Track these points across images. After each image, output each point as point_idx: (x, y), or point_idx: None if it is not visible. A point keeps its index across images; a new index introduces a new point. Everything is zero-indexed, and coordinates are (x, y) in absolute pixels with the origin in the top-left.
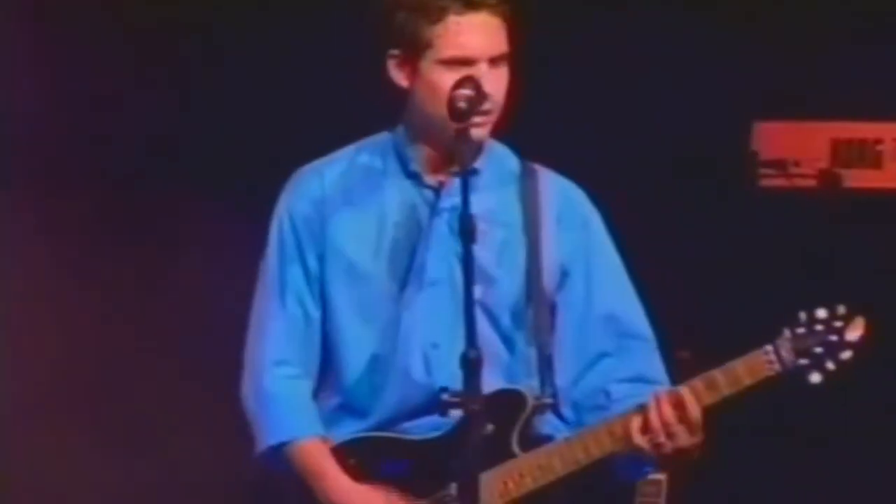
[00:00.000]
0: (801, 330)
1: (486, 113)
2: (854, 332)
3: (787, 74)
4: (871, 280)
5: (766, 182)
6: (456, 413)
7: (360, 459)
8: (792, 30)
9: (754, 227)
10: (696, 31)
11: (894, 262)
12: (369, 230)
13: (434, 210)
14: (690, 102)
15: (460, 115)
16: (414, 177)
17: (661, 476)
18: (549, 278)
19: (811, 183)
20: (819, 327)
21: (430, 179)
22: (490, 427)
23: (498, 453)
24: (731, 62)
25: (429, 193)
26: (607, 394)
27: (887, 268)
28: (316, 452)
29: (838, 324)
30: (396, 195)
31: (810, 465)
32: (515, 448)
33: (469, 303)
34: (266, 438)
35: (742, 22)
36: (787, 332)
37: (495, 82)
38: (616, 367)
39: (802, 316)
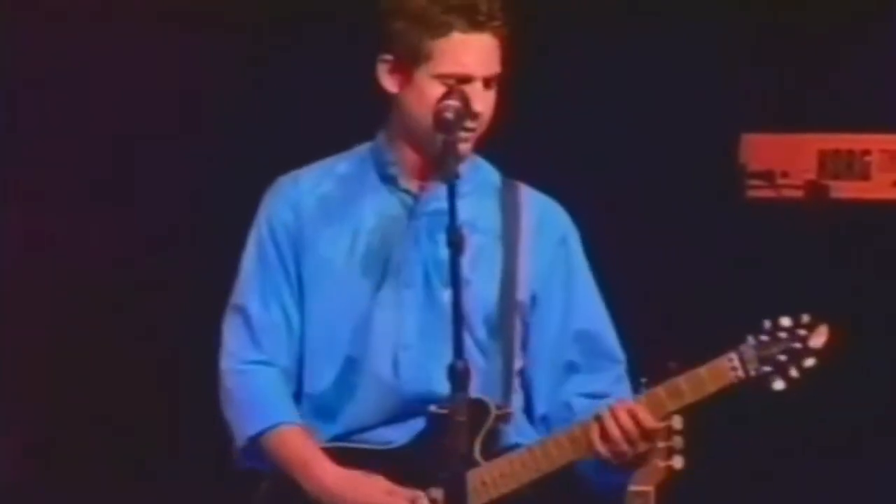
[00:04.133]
0: (764, 337)
1: (471, 129)
2: (818, 339)
3: (775, 86)
4: (858, 291)
5: (753, 193)
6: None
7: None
8: (779, 41)
9: (742, 239)
10: (684, 43)
11: (881, 273)
12: (345, 234)
13: (412, 214)
14: (678, 114)
15: (446, 126)
16: (391, 181)
17: (648, 487)
18: (523, 290)
19: (799, 194)
20: (783, 335)
21: (409, 184)
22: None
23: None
24: (718, 74)
25: (407, 198)
26: (569, 406)
27: (874, 279)
28: (300, 439)
29: (802, 332)
30: (373, 199)
31: (797, 471)
32: (478, 457)
33: (458, 314)
34: (247, 429)
35: (729, 34)
36: (750, 340)
37: (486, 101)
38: (583, 382)
39: (767, 324)
